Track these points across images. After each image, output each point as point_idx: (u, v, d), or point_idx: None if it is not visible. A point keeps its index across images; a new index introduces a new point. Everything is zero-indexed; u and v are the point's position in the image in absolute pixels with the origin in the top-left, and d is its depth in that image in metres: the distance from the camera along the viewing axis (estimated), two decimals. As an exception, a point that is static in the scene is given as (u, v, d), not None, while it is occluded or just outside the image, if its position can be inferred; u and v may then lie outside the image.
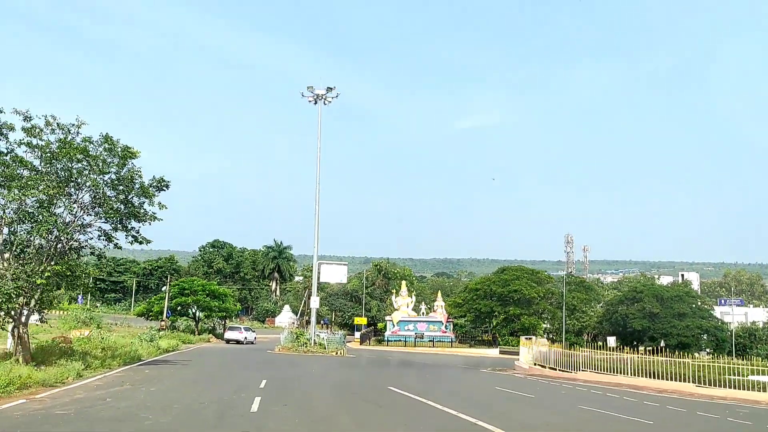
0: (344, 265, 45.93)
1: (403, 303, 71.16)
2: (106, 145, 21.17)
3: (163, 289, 60.10)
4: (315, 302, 45.21)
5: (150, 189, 22.19)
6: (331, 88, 48.97)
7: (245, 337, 57.66)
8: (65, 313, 66.06)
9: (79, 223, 21.11)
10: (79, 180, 20.50)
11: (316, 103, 49.64)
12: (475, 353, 61.39)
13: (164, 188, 22.65)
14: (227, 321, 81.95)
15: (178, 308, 60.77)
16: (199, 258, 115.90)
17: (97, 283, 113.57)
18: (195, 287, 60.66)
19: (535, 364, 36.62)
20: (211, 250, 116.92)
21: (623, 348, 37.16)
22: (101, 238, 22.25)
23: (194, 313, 62.43)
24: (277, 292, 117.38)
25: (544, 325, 67.01)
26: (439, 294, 72.60)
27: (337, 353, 43.47)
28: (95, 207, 21.25)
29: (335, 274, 45.28)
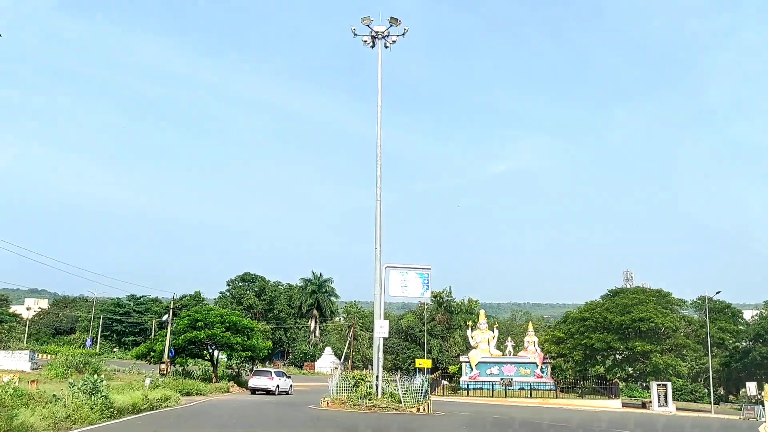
0: (426, 270, 30.05)
1: (482, 339, 54.42)
2: None
3: (164, 318, 44.80)
4: (381, 329, 29.59)
5: None
6: (396, 20, 34.12)
7: (277, 385, 41.90)
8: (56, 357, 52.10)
9: None
10: None
11: (373, 45, 34.96)
12: (589, 406, 44.27)
13: None
14: (257, 365, 66.30)
15: (189, 347, 45.48)
16: (227, 294, 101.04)
17: (113, 324, 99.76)
18: (211, 318, 45.44)
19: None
20: (240, 284, 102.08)
21: None
22: None
23: (211, 354, 47.01)
24: (317, 333, 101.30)
25: (684, 366, 49.30)
26: (531, 327, 55.67)
27: (420, 409, 27.35)
28: None
29: (411, 286, 29.54)
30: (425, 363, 62.44)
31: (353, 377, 29.23)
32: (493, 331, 55.53)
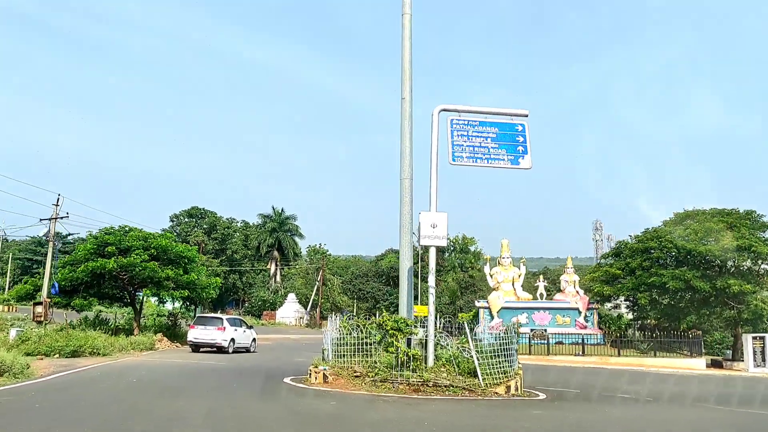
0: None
1: (505, 278, 40.99)
2: None
3: (43, 234, 28.98)
4: (434, 229, 15.29)
5: None
6: None
7: (231, 339, 28.09)
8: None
9: None
10: None
11: None
12: (671, 366, 31.66)
13: None
14: (205, 311, 51.58)
15: (96, 283, 30.55)
16: (171, 232, 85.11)
17: (33, 266, 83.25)
18: (128, 242, 30.46)
19: None
20: (186, 220, 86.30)
21: None
22: None
23: (131, 294, 32.22)
24: (278, 277, 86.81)
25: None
26: (569, 262, 42.44)
27: (509, 389, 13.59)
28: None
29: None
30: (421, 310, 48.77)
31: (376, 325, 15.06)
32: (519, 268, 42.11)
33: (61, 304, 30.05)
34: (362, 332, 15.08)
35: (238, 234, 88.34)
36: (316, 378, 14.59)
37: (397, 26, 18.10)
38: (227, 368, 19.97)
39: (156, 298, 35.95)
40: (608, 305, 43.60)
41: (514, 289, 41.03)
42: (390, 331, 13.93)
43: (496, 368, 14.22)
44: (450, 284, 64.94)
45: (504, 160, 14.55)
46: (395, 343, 13.82)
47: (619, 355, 34.16)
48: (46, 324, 25.64)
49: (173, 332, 34.56)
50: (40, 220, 27.62)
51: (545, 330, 38.84)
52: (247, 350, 30.03)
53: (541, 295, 42.05)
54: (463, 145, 14.62)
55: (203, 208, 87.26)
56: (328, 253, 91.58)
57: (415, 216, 18.44)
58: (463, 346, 14.65)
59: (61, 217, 27.46)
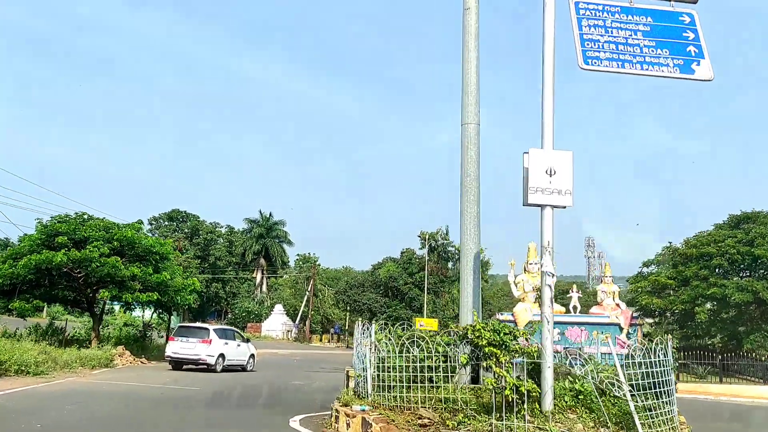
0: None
1: (533, 286, 35.04)
2: None
3: None
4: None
5: None
6: None
7: (220, 355, 22.71)
8: None
9: None
10: None
11: None
12: (746, 395, 26.19)
13: None
14: (179, 318, 45.18)
15: (45, 282, 24.46)
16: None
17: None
18: (85, 232, 24.42)
19: None
20: (166, 224, 79.86)
21: None
22: None
23: (88, 297, 26.08)
24: (264, 287, 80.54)
25: None
26: (608, 269, 36.82)
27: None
28: None
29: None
30: (430, 323, 43.04)
31: (454, 337, 9.27)
32: (551, 274, 36.23)
33: (-4, 308, 23.82)
34: (425, 350, 9.20)
35: (222, 240, 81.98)
36: (349, 426, 8.70)
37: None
38: (202, 398, 13.97)
39: (121, 304, 29.90)
40: (648, 321, 38.04)
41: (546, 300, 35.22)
42: (487, 348, 8.09)
43: (659, 415, 8.43)
44: (455, 295, 59.09)
45: (668, 65, 8.86)
46: (497, 369, 7.98)
47: (678, 379, 28.49)
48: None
49: (141, 345, 28.45)
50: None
51: (581, 348, 33.00)
52: (243, 369, 24.25)
53: (575, 308, 36.18)
54: (599, 40, 8.94)
55: (185, 211, 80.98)
56: (318, 263, 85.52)
57: (483, 179, 12.72)
58: (601, 375, 8.82)
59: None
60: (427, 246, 57.52)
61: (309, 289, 70.21)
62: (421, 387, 8.95)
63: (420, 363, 9.03)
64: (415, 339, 9.26)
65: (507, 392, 7.63)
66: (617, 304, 35.13)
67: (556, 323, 35.58)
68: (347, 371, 11.06)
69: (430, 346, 9.11)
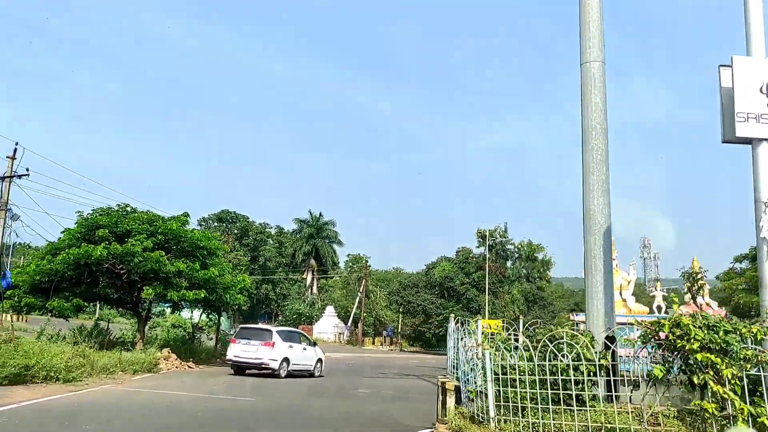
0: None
1: (616, 282, 31.58)
2: None
3: None
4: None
5: None
6: None
7: (282, 358, 20.63)
8: None
9: None
10: None
11: None
12: None
13: None
14: (229, 320, 43.44)
15: (82, 279, 22.68)
16: (199, 237, 77.71)
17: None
18: (127, 225, 22.58)
19: None
20: (216, 225, 78.91)
21: None
22: None
23: (134, 297, 24.21)
24: (314, 289, 78.62)
25: None
26: (695, 262, 33.15)
27: None
28: None
29: None
30: (493, 325, 40.02)
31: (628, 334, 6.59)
32: (627, 273, 33.05)
33: (36, 306, 22.09)
34: (567, 356, 6.47)
35: (271, 240, 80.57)
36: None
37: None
38: (255, 413, 11.55)
39: (168, 305, 28.10)
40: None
41: (624, 300, 31.90)
42: (700, 355, 5.31)
43: None
44: (515, 296, 55.82)
45: None
46: (718, 389, 5.19)
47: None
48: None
49: (189, 347, 26.47)
50: (-13, 178, 19.59)
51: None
52: (311, 374, 22.25)
53: (659, 307, 32.80)
54: None
55: (234, 212, 79.94)
56: (369, 264, 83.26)
57: (611, 123, 9.94)
58: None
59: (19, 176, 19.48)
60: (488, 243, 54.27)
61: (361, 290, 67.84)
62: (565, 408, 6.21)
63: (562, 375, 6.29)
64: (561, 340, 6.53)
65: (741, 425, 4.81)
66: (707, 304, 31.64)
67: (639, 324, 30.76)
68: (442, 382, 8.40)
69: (583, 350, 6.36)
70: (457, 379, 8.56)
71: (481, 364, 6.79)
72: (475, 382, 7.01)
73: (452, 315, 15.28)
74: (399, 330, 69.42)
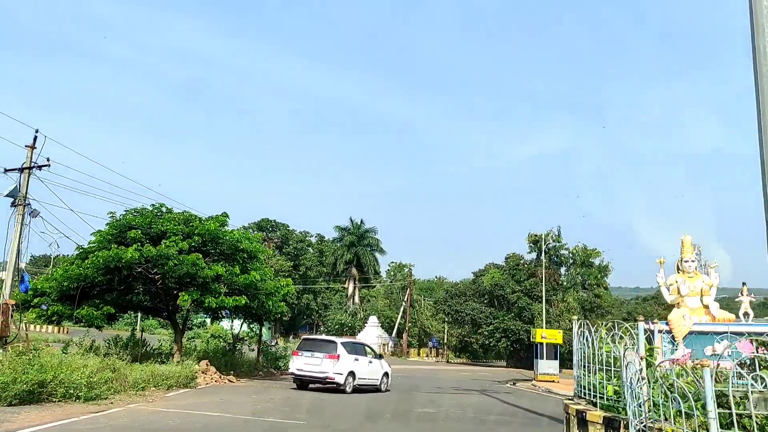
0: None
1: (691, 289, 28.24)
2: None
3: (5, 193, 18.54)
4: None
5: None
6: None
7: (348, 372, 18.83)
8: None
9: None
10: None
11: None
12: None
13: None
14: (270, 330, 41.54)
15: (114, 285, 20.83)
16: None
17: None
18: (161, 225, 20.72)
19: None
20: (256, 233, 77.51)
21: None
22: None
23: (169, 304, 22.33)
24: (356, 298, 76.41)
25: None
26: (788, 265, 29.84)
27: None
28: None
29: None
30: (553, 335, 37.35)
31: None
32: (708, 275, 29.65)
33: (64, 315, 20.33)
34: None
35: (312, 249, 78.87)
36: None
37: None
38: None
39: (207, 315, 26.23)
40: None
41: (706, 306, 28.60)
42: None
43: None
44: (571, 304, 52.58)
45: None
46: None
47: None
48: (9, 341, 15.90)
49: (229, 359, 24.51)
50: (5, 171, 17.86)
51: (746, 367, 26.18)
52: (377, 389, 20.39)
53: (746, 314, 29.30)
54: None
55: (274, 220, 78.58)
56: (412, 273, 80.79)
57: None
58: None
59: (39, 167, 17.72)
60: (542, 248, 51.22)
61: (405, 300, 65.43)
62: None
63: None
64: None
65: None
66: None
67: (725, 333, 27.21)
68: (573, 408, 5.97)
69: None
70: (608, 408, 6.21)
71: (686, 389, 4.35)
72: (663, 415, 4.60)
73: (575, 318, 12.73)
74: (445, 341, 66.70)
